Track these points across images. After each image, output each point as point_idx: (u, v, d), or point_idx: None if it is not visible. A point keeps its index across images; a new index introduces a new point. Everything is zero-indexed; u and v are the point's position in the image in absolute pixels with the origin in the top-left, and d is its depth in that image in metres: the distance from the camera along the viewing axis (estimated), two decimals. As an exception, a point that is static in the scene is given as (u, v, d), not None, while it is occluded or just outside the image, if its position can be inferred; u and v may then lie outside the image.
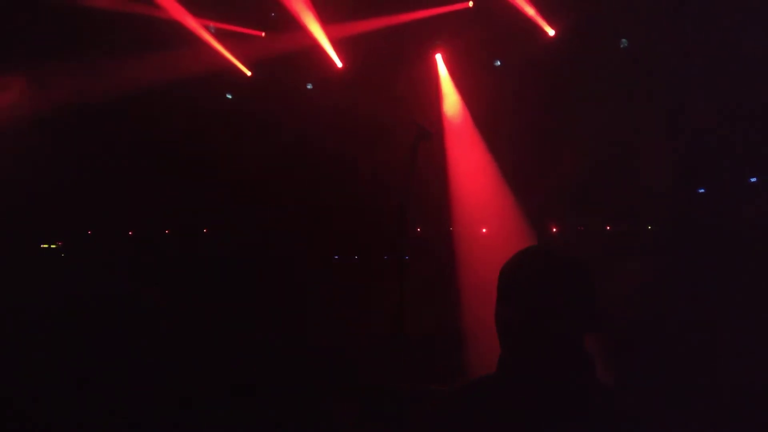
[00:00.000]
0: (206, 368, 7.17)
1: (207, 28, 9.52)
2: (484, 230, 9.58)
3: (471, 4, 8.94)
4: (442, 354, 6.83)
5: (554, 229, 9.40)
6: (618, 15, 8.43)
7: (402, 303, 7.06)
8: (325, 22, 9.21)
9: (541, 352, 2.21)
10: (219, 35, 9.63)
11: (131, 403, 6.46)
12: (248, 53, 9.91)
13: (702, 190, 8.88)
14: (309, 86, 10.11)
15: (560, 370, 2.22)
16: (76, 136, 9.75)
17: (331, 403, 6.07)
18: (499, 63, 9.38)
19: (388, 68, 9.32)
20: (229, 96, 10.20)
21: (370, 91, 9.20)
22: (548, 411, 2.22)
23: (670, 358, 6.17)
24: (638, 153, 8.55)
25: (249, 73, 9.93)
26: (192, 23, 9.22)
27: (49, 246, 10.74)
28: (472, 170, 9.26)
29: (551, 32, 8.88)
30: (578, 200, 8.78)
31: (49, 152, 9.56)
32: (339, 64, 9.60)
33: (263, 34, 9.81)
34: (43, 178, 9.53)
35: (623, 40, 8.78)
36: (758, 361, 5.88)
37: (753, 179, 8.62)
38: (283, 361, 7.25)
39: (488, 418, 2.26)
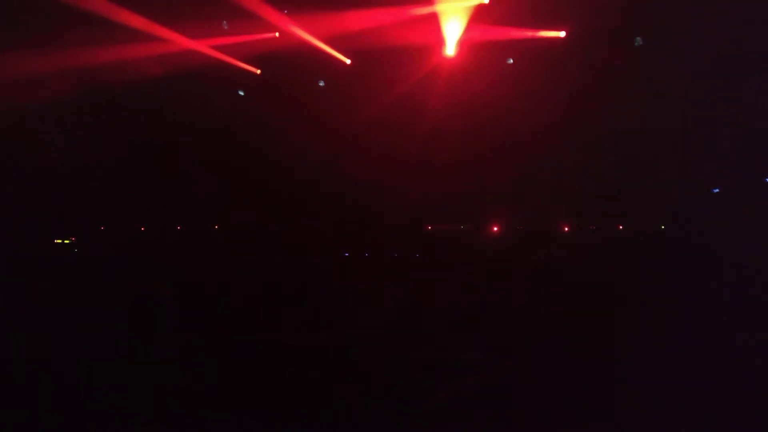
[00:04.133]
0: (214, 365, 7.18)
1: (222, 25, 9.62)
2: (495, 228, 9.53)
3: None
4: (449, 349, 6.80)
5: (566, 228, 9.33)
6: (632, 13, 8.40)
7: (412, 299, 7.05)
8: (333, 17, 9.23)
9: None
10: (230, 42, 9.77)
11: (140, 398, 6.49)
12: (261, 53, 9.98)
13: (716, 190, 8.79)
14: (321, 83, 10.12)
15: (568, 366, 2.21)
16: (88, 135, 9.85)
17: (339, 398, 6.07)
18: (511, 61, 9.35)
19: (398, 63, 9.32)
20: (242, 93, 10.24)
21: (380, 86, 9.20)
22: (553, 409, 2.21)
23: (675, 356, 6.10)
24: (653, 152, 8.52)
25: (258, 72, 10.02)
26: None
27: (63, 241, 10.81)
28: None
29: (562, 33, 8.88)
30: (592, 199, 8.74)
31: (62, 150, 9.66)
32: (347, 61, 9.63)
33: (276, 34, 9.83)
34: (57, 175, 9.64)
35: (637, 38, 8.73)
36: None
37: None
38: (290, 357, 7.25)
39: (492, 414, 2.26)
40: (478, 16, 8.99)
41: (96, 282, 9.19)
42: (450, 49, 9.40)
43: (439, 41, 9.34)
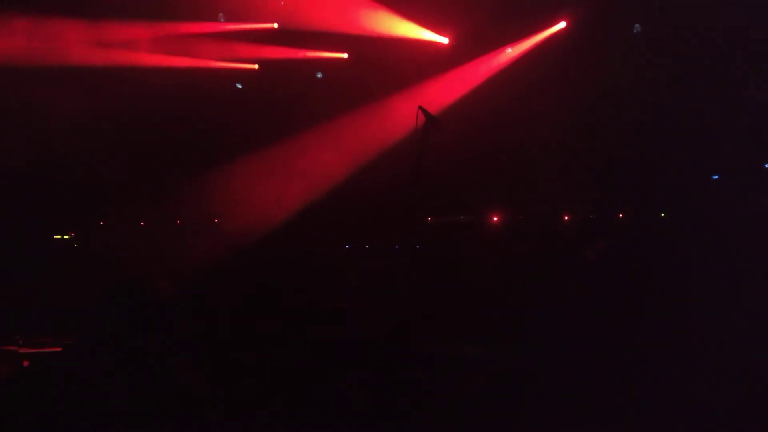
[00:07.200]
0: (215, 364, 7.16)
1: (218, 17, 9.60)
2: (495, 219, 9.54)
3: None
4: (452, 343, 6.82)
5: (566, 218, 9.34)
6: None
7: (413, 291, 7.03)
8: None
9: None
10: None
11: (141, 399, 6.46)
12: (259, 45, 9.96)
13: (716, 177, 8.80)
14: (319, 75, 10.10)
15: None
16: (89, 129, 9.84)
17: (342, 396, 6.07)
18: (510, 51, 9.34)
19: (395, 54, 9.31)
20: (239, 86, 10.23)
21: (377, 78, 9.20)
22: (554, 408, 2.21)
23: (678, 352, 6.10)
24: (651, 140, 8.53)
25: (256, 67, 10.02)
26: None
27: (62, 237, 10.80)
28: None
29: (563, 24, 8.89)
30: (590, 188, 8.76)
31: (61, 143, 9.64)
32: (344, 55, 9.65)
33: (276, 25, 9.79)
34: (56, 169, 9.63)
35: (636, 25, 8.73)
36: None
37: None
38: (292, 356, 7.25)
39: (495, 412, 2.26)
40: (475, 4, 8.97)
41: (96, 278, 9.17)
42: (446, 39, 9.40)
43: (437, 31, 9.35)
